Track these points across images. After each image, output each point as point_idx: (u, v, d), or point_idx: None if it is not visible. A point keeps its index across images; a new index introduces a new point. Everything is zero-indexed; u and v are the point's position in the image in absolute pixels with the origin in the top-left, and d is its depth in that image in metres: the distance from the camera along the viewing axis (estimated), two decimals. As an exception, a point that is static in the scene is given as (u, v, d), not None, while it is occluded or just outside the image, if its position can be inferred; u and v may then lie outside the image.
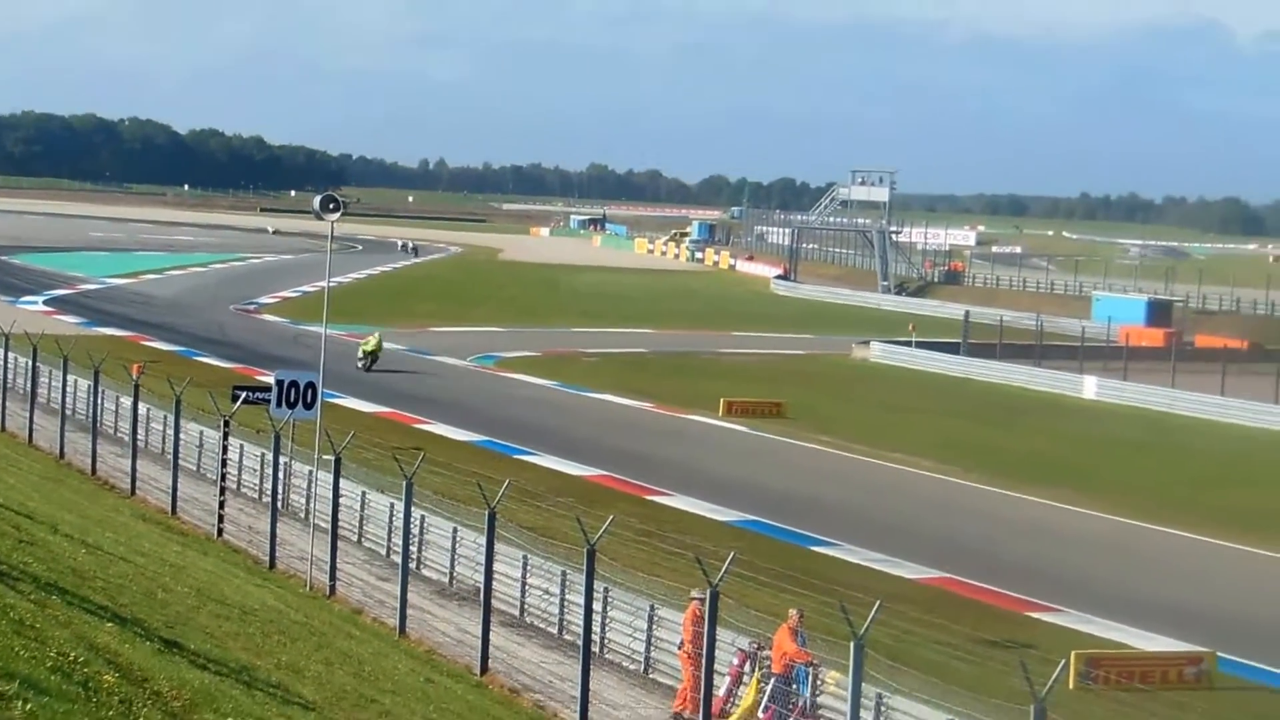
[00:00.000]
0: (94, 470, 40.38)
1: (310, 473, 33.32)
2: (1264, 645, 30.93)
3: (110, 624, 15.45)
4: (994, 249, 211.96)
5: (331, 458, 30.44)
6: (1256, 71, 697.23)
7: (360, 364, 63.64)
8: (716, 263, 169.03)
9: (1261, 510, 46.24)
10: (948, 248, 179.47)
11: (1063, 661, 18.33)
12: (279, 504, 33.74)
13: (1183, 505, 45.84)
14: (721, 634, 21.86)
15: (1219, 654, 28.67)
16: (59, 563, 18.90)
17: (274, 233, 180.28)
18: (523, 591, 28.69)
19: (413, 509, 28.90)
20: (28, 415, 45.67)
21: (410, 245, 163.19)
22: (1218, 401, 69.07)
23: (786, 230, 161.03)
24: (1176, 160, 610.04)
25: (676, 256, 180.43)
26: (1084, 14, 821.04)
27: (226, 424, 36.18)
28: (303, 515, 34.33)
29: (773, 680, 22.38)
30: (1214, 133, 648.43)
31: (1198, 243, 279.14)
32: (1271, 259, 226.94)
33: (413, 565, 29.92)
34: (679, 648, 23.92)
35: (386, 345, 65.72)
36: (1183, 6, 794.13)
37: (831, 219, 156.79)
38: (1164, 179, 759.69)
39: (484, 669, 25.26)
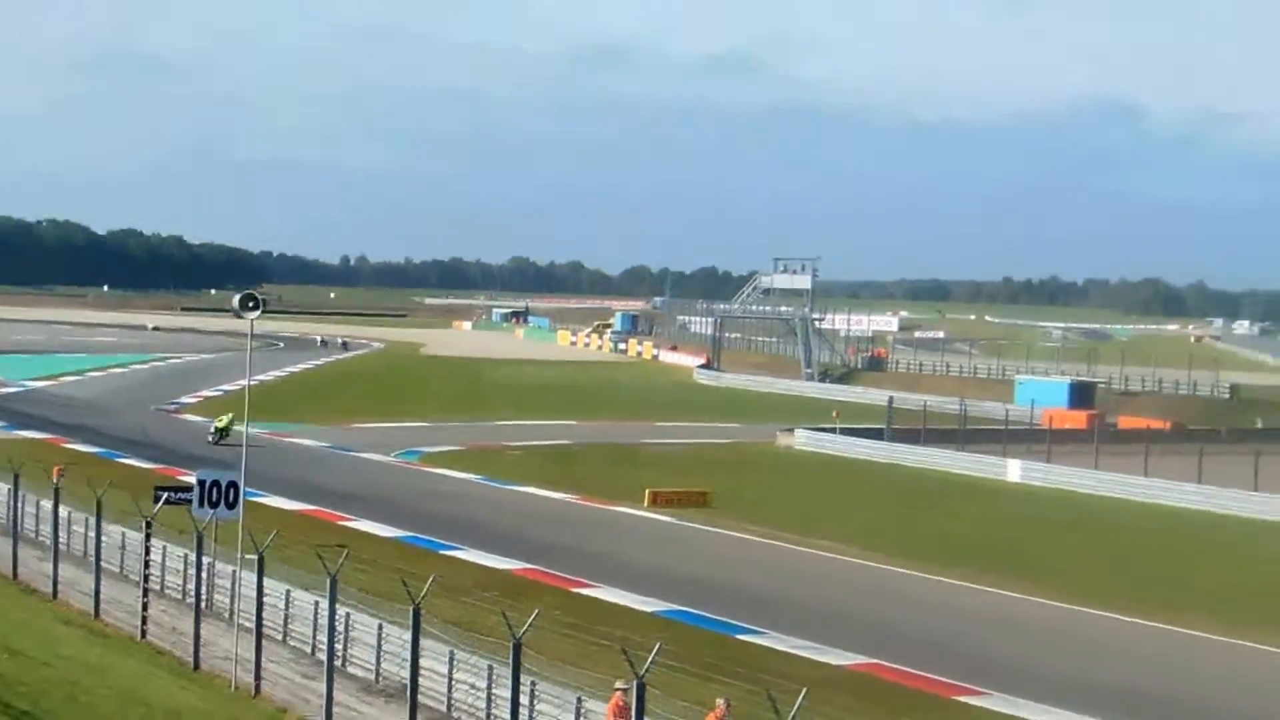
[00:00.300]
0: (15, 574, 39.97)
1: (234, 572, 33.13)
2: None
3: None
4: (917, 334, 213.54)
5: (255, 557, 30.27)
6: (1175, 153, 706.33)
7: (211, 438, 67.35)
8: (640, 353, 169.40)
9: (1183, 589, 46.64)
10: (871, 334, 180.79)
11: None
12: (203, 604, 33.51)
13: (1105, 585, 46.10)
14: (649, 725, 21.81)
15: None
16: (-22, 669, 18.75)
17: (153, 329, 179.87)
18: (449, 687, 28.50)
19: (338, 606, 28.77)
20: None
21: (340, 341, 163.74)
22: (1141, 482, 69.55)
23: (709, 320, 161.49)
24: (1098, 242, 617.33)
25: (600, 348, 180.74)
26: (1003, 97, 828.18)
27: (149, 525, 35.92)
28: (227, 615, 34.11)
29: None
30: (1134, 214, 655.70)
31: (1120, 324, 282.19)
32: (1193, 339, 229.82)
33: (339, 663, 29.73)
34: (605, 740, 23.85)
35: (314, 441, 65.63)
36: (1101, 89, 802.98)
37: (754, 307, 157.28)
38: (1086, 261, 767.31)
39: (411, 766, 25.11)
